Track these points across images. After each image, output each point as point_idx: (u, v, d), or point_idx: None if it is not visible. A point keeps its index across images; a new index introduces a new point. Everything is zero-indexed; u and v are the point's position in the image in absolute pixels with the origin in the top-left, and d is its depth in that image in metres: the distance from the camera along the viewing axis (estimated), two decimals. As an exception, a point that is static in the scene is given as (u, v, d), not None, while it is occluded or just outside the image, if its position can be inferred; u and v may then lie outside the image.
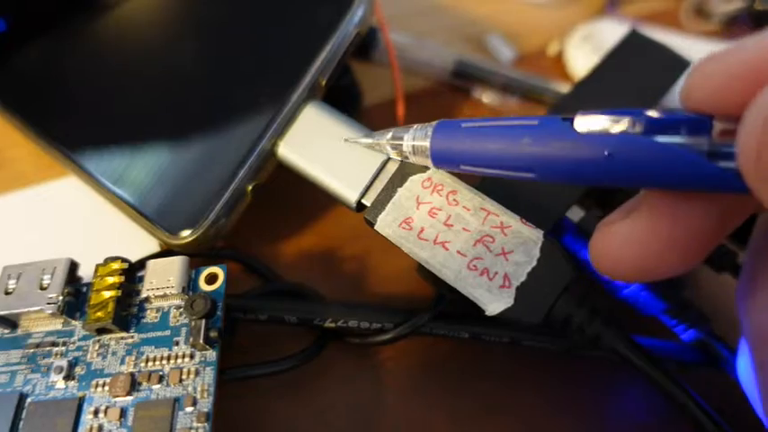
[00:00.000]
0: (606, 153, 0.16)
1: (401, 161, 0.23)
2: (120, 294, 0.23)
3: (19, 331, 0.24)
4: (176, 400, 0.21)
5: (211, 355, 0.22)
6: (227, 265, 0.24)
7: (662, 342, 0.24)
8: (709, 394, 0.22)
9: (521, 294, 0.20)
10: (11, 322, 0.23)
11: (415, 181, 0.22)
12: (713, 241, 0.17)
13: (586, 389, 0.26)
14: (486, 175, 0.19)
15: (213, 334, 0.22)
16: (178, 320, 0.23)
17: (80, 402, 0.22)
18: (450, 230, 0.21)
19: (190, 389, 0.21)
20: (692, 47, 0.34)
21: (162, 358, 0.22)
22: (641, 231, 0.17)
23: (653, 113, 0.15)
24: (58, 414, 0.21)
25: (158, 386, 0.22)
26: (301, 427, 0.25)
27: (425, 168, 0.22)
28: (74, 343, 0.23)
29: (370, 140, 0.23)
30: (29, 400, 0.22)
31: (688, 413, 0.21)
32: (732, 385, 0.22)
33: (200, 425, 0.21)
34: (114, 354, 0.23)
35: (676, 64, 0.27)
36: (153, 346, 0.23)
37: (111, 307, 0.22)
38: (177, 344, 0.22)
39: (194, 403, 0.21)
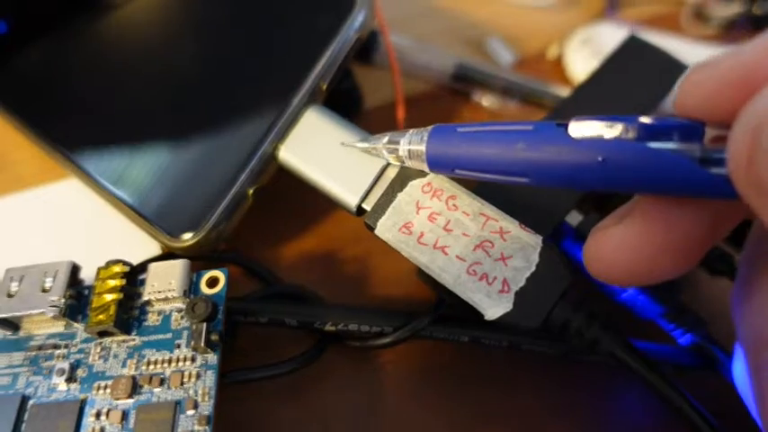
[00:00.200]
0: (600, 158, 0.16)
1: (401, 166, 0.23)
2: (121, 297, 0.23)
3: (21, 333, 0.24)
4: (177, 403, 0.21)
5: (212, 358, 0.22)
6: (227, 268, 0.24)
7: (659, 345, 0.24)
8: (706, 397, 0.22)
9: (519, 299, 0.20)
10: (13, 325, 0.24)
11: (414, 186, 0.22)
12: (705, 246, 0.17)
13: (584, 393, 0.26)
14: (482, 180, 0.19)
15: (214, 337, 0.22)
16: (179, 324, 0.23)
17: (82, 405, 0.22)
18: (449, 235, 0.21)
19: (191, 392, 0.22)
20: (692, 51, 0.34)
21: (163, 361, 0.22)
22: (634, 236, 0.17)
23: (646, 120, 0.16)
24: (60, 416, 0.22)
25: (160, 389, 0.22)
26: (302, 430, 0.25)
27: (425, 173, 0.22)
28: (75, 345, 0.23)
29: (366, 145, 0.23)
30: (31, 402, 0.22)
31: (684, 417, 0.21)
32: (728, 388, 0.22)
33: (201, 428, 0.21)
34: (116, 356, 0.23)
35: (674, 68, 0.27)
36: (154, 349, 0.23)
37: (112, 310, 0.23)
38: (179, 347, 0.23)
39: (195, 406, 0.21)
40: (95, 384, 0.22)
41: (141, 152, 0.27)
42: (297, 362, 0.25)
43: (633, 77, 0.27)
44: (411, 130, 0.21)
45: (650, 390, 0.22)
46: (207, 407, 0.21)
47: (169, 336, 0.23)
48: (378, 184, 0.23)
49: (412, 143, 0.21)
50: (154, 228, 0.25)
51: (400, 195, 0.22)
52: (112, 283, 0.23)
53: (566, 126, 0.17)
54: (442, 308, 0.25)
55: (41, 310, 0.23)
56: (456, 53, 0.35)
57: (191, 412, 0.21)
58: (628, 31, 0.29)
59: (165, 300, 0.23)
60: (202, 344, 0.22)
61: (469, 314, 0.21)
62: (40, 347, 0.23)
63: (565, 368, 0.26)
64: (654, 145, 0.15)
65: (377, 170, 0.23)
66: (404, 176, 0.23)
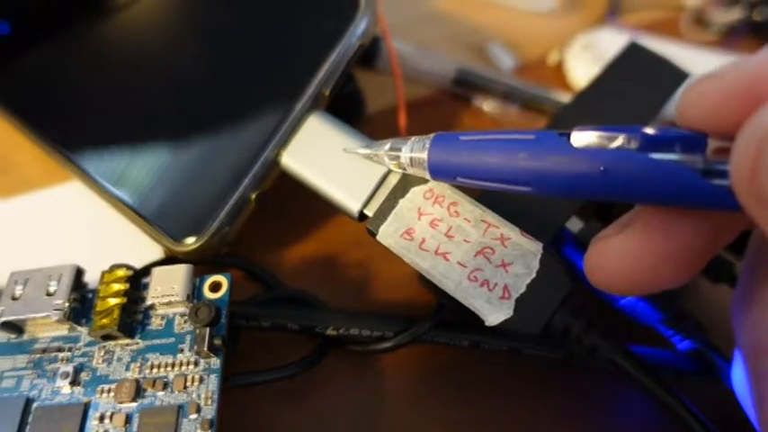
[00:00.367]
0: (602, 168, 0.16)
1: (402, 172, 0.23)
2: (125, 301, 0.23)
3: (25, 336, 0.24)
4: (180, 406, 0.21)
5: (215, 362, 0.22)
6: (230, 273, 0.24)
7: (658, 351, 0.25)
8: (705, 403, 0.22)
9: (520, 306, 0.20)
10: (17, 327, 0.24)
11: (416, 192, 0.22)
12: (706, 256, 0.17)
13: (585, 399, 0.26)
14: (484, 188, 0.19)
15: (217, 342, 0.22)
16: (183, 328, 0.23)
17: (86, 408, 0.22)
18: (451, 242, 0.22)
19: (194, 396, 0.22)
20: (691, 56, 0.34)
21: (166, 365, 0.23)
22: (635, 246, 0.17)
23: (648, 130, 0.16)
24: (63, 419, 0.22)
25: (163, 393, 0.22)
26: (303, 434, 0.25)
27: (427, 180, 0.22)
28: (79, 349, 0.23)
29: (368, 151, 0.23)
30: (35, 404, 0.22)
31: (683, 423, 0.21)
32: (728, 394, 0.22)
33: (203, 432, 0.21)
34: (119, 360, 0.23)
35: (675, 75, 0.27)
36: (158, 353, 0.23)
37: (116, 314, 0.23)
38: (182, 351, 0.23)
39: (198, 410, 0.21)
40: (99, 388, 0.22)
41: (145, 156, 0.27)
42: (298, 366, 0.25)
43: (634, 84, 0.27)
44: (413, 138, 0.21)
45: (649, 396, 0.22)
46: (210, 411, 0.21)
47: (172, 340, 0.23)
48: (380, 189, 0.23)
49: (414, 151, 0.21)
50: (157, 231, 0.26)
51: (402, 201, 0.23)
52: (116, 287, 0.23)
53: (567, 136, 0.17)
54: (442, 313, 0.25)
55: (46, 314, 0.23)
56: (457, 58, 0.35)
57: (194, 416, 0.21)
58: (628, 38, 0.29)
59: (169, 304, 0.23)
60: (206, 348, 0.22)
61: (470, 319, 0.21)
62: (43, 350, 0.23)
63: (565, 373, 0.26)
64: (656, 156, 0.15)
65: (379, 176, 0.23)
66: (406, 183, 0.23)
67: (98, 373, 0.23)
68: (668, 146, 0.15)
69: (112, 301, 0.23)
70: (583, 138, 0.16)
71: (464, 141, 0.19)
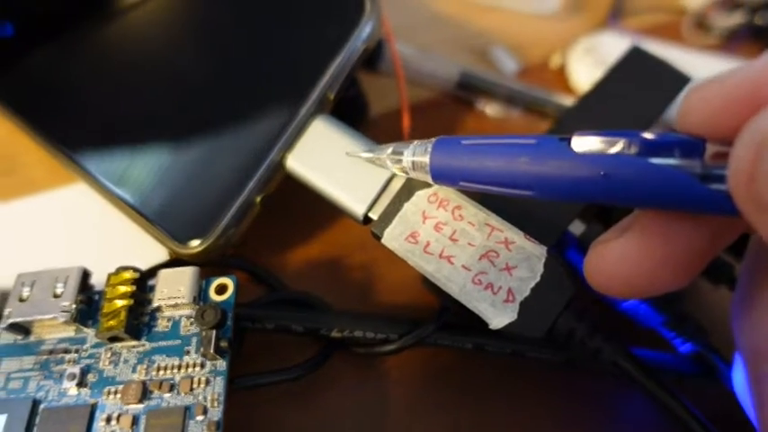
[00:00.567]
0: (602, 173, 0.16)
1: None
2: (131, 303, 0.23)
3: (32, 338, 0.24)
4: (187, 408, 0.22)
5: (221, 364, 0.23)
6: (235, 275, 0.25)
7: (660, 354, 0.25)
8: (706, 405, 0.22)
9: (524, 309, 0.21)
10: (24, 329, 0.24)
11: (421, 196, 0.23)
12: (705, 259, 0.17)
13: (588, 402, 0.26)
14: (486, 192, 0.19)
15: (223, 344, 0.22)
16: (189, 330, 0.24)
17: (92, 409, 0.22)
18: (455, 245, 0.22)
19: (200, 398, 0.22)
20: (693, 60, 0.34)
21: (173, 367, 0.23)
22: (634, 250, 0.17)
23: (648, 135, 0.16)
24: (70, 420, 0.22)
25: (169, 394, 0.22)
26: (308, 435, 0.25)
27: (430, 183, 0.23)
28: (86, 350, 0.24)
29: (370, 155, 0.23)
30: (42, 406, 0.22)
31: (684, 425, 0.22)
32: (729, 396, 0.22)
33: (210, 433, 0.21)
34: (126, 362, 0.23)
35: (677, 79, 0.27)
36: (164, 355, 0.23)
37: (123, 316, 0.23)
38: (188, 353, 0.23)
39: (205, 412, 0.21)
40: (106, 389, 0.23)
41: (151, 159, 0.27)
42: (303, 368, 0.25)
43: (636, 88, 0.28)
44: (415, 142, 0.21)
45: (651, 398, 0.22)
46: (216, 413, 0.22)
47: (179, 342, 0.23)
48: (384, 193, 0.24)
49: (416, 155, 0.21)
50: (162, 234, 0.26)
51: (407, 205, 0.23)
52: (123, 289, 0.23)
53: (568, 140, 0.17)
54: (446, 315, 0.25)
55: (52, 315, 0.23)
56: (460, 61, 0.35)
57: (200, 418, 0.21)
58: (630, 42, 0.29)
59: (175, 306, 0.24)
60: (212, 350, 0.22)
61: (474, 322, 0.22)
62: (50, 352, 0.24)
63: (568, 376, 0.26)
64: (655, 160, 0.15)
65: (384, 179, 0.24)
66: (410, 186, 0.23)
67: (105, 375, 0.23)
68: (667, 150, 0.15)
69: (119, 303, 0.23)
70: (583, 143, 0.17)
71: (466, 146, 0.19)
